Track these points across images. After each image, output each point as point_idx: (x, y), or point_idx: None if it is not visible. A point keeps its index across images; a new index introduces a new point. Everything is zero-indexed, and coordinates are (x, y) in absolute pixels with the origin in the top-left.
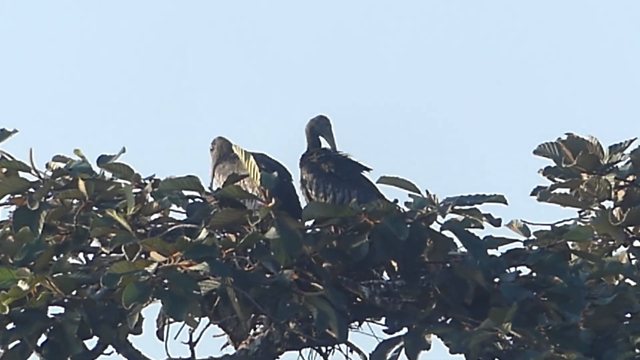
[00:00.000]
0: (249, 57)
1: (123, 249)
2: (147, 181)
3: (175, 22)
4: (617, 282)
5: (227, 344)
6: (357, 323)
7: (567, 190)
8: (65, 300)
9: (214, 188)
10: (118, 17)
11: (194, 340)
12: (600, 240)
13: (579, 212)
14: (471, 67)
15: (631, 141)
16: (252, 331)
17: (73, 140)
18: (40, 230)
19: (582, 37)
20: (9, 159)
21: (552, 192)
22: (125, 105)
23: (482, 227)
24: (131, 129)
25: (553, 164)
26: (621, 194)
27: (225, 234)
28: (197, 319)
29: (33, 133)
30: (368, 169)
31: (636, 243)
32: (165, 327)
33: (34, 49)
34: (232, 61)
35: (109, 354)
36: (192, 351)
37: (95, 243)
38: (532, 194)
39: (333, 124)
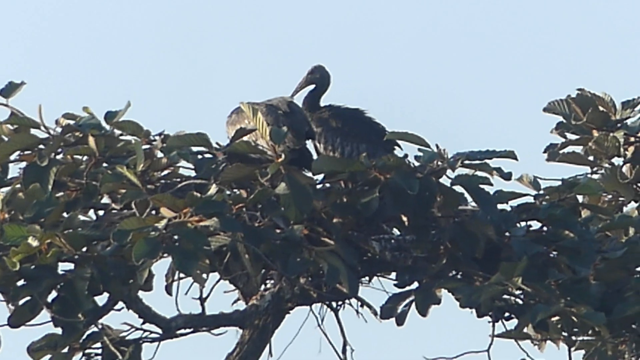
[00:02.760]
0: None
1: (133, 205)
2: (157, 137)
3: None
4: (626, 237)
5: (238, 299)
6: (367, 278)
7: (578, 149)
8: (76, 257)
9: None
10: None
11: (204, 296)
12: (610, 197)
13: (591, 168)
14: (482, 23)
15: None
16: (262, 286)
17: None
18: (50, 187)
19: None
20: (19, 115)
21: (561, 151)
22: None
23: (491, 185)
24: (139, 85)
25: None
26: (631, 150)
27: (235, 190)
28: (205, 275)
29: (42, 90)
30: (378, 124)
31: None
32: (176, 282)
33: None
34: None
35: (119, 310)
36: (203, 307)
37: (105, 199)
38: (545, 151)
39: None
